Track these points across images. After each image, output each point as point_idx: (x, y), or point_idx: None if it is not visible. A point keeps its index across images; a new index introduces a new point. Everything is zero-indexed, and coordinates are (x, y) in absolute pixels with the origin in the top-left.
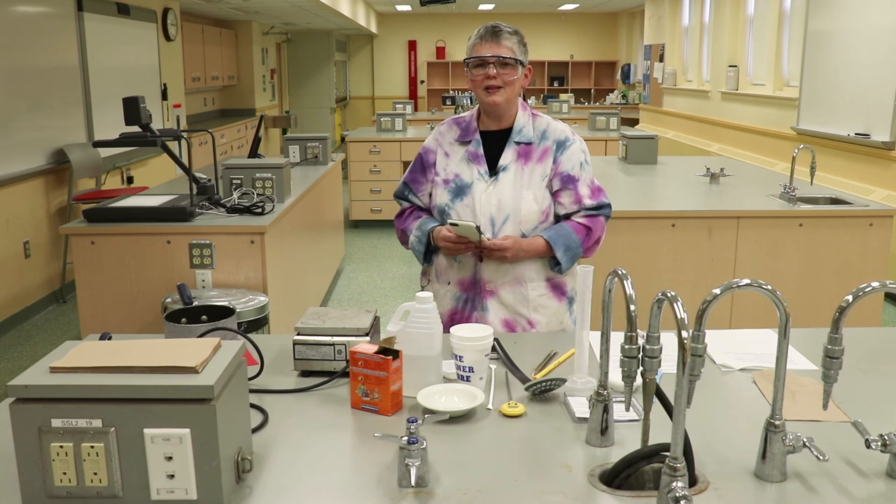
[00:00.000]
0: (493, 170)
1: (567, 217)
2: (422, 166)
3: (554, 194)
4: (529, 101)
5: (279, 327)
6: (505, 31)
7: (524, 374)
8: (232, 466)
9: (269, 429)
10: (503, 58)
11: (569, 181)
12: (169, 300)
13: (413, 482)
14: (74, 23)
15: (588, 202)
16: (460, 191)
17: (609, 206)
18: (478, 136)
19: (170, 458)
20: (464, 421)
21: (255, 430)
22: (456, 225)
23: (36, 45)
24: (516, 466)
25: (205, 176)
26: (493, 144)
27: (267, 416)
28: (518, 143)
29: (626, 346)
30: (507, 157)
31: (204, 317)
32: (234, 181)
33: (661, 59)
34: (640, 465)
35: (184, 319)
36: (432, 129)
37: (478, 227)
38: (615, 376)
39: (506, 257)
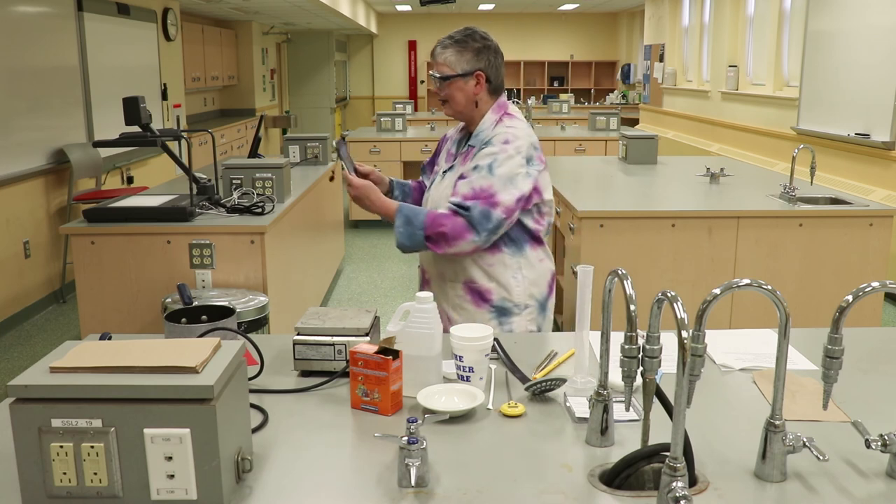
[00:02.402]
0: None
1: None
2: (436, 151)
3: None
4: (530, 102)
5: (279, 327)
6: (443, 44)
7: (524, 374)
8: (232, 466)
9: (269, 429)
10: (436, 76)
11: (461, 177)
12: (169, 300)
13: (413, 482)
14: (74, 23)
15: (455, 199)
16: (433, 182)
17: (471, 210)
18: (460, 134)
19: (170, 458)
20: (464, 421)
21: (255, 430)
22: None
23: (36, 45)
24: (516, 466)
25: (205, 176)
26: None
27: (267, 416)
28: (471, 147)
29: (626, 346)
30: (458, 158)
31: (204, 317)
32: (234, 181)
33: (661, 59)
34: (640, 465)
35: (184, 319)
36: (432, 129)
37: (344, 165)
38: (615, 376)
39: (350, 193)
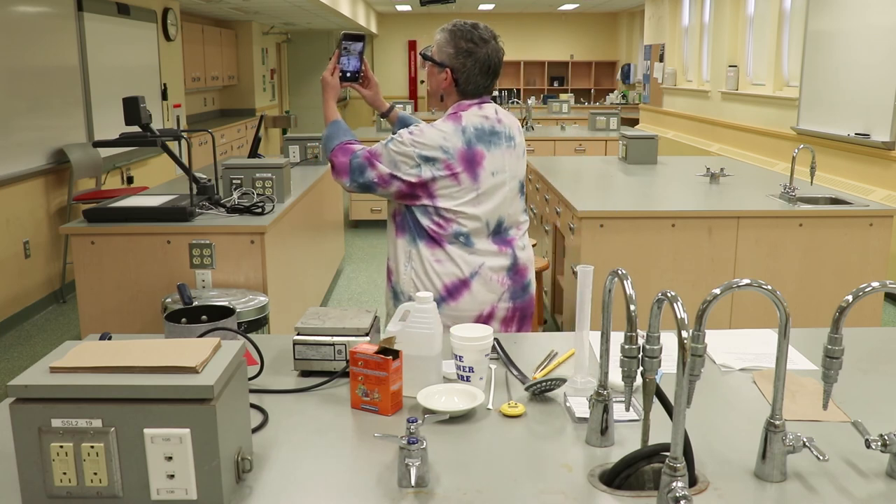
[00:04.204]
0: None
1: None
2: None
3: None
4: (530, 102)
5: (279, 327)
6: (444, 27)
7: (524, 374)
8: (232, 466)
9: (269, 429)
10: (421, 51)
11: None
12: (169, 300)
13: (413, 482)
14: (74, 23)
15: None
16: None
17: (355, 158)
18: None
19: (170, 458)
20: (464, 421)
21: (255, 430)
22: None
23: (36, 45)
24: (516, 466)
25: (205, 176)
26: None
27: (267, 416)
28: None
29: (626, 346)
30: None
31: (204, 317)
32: (234, 181)
33: (661, 59)
34: (640, 465)
35: (184, 319)
36: None
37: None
38: (615, 376)
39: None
